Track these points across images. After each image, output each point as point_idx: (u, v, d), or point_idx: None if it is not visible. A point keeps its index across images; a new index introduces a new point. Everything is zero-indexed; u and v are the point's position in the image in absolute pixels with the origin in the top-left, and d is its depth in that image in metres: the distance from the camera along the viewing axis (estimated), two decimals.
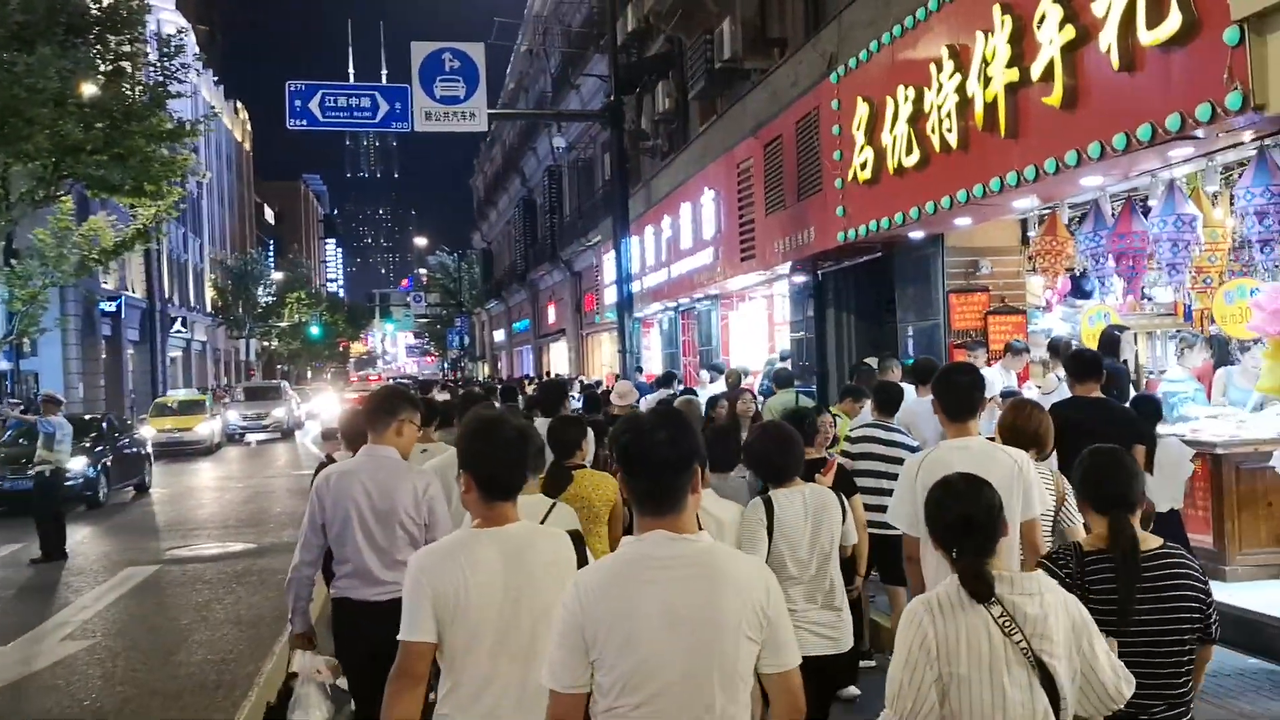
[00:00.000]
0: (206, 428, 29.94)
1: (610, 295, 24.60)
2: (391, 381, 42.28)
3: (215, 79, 76.43)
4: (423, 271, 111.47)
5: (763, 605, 2.41)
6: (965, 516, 2.72)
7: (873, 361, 10.70)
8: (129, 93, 23.85)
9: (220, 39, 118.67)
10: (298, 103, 20.11)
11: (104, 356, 43.37)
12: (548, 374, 34.32)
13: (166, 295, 52.93)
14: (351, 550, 4.26)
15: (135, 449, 20.45)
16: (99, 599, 10.37)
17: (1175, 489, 6.77)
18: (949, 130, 8.67)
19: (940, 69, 8.75)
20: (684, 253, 18.68)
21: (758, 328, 18.39)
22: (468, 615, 2.74)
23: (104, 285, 42.51)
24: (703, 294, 18.95)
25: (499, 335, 61.70)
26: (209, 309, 65.44)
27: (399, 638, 2.76)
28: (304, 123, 20.12)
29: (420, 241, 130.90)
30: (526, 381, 26.88)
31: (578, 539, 3.10)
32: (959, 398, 4.43)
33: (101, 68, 23.13)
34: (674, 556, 2.38)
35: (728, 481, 5.12)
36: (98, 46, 23.40)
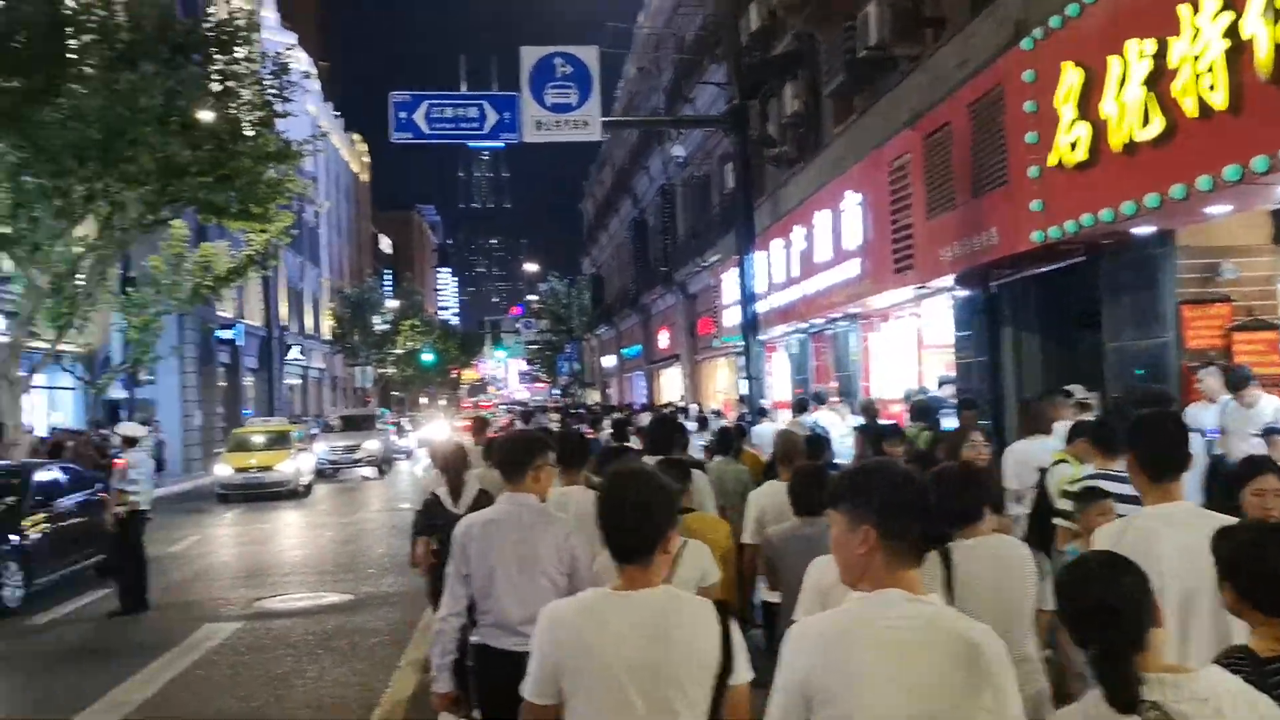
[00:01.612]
0: (290, 465, 25.27)
1: (730, 317, 22.89)
2: (501, 407, 41.33)
3: (335, 112, 77.72)
4: (533, 298, 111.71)
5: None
6: (1102, 603, 2.32)
7: (1077, 390, 8.80)
8: (235, 113, 23.14)
9: (341, 74, 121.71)
10: (402, 115, 18.97)
11: (221, 384, 43.41)
12: (657, 405, 32.62)
13: (284, 323, 53.09)
14: (494, 600, 4.21)
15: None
16: (167, 667, 9.01)
17: None
18: (1211, 88, 6.74)
19: (1197, 9, 6.83)
20: (819, 267, 16.86)
21: (903, 351, 16.44)
22: (590, 682, 2.62)
23: (221, 313, 42.54)
24: (840, 313, 17.09)
25: (609, 361, 60.62)
26: (327, 337, 65.90)
27: (520, 692, 2.71)
28: (408, 135, 18.97)
29: (531, 268, 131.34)
30: (632, 411, 25.28)
31: (724, 609, 2.79)
32: (1168, 450, 3.40)
33: (210, 87, 22.43)
34: (904, 617, 2.29)
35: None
36: (205, 66, 22.72)
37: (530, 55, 18.18)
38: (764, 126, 21.15)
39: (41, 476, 13.35)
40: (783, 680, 2.34)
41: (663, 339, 41.49)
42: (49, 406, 33.55)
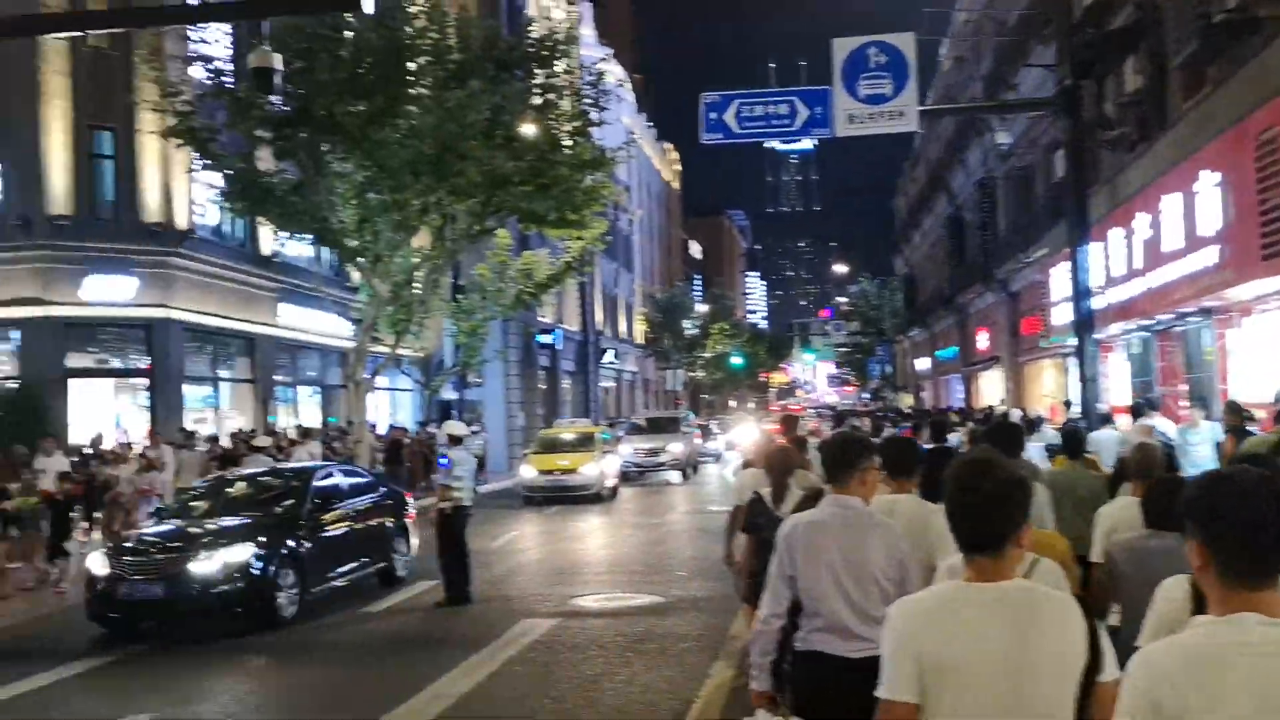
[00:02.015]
0: (594, 468, 24.67)
1: (1060, 315, 21.21)
2: (810, 412, 40.67)
3: (648, 123, 80.00)
4: (842, 300, 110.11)
5: None
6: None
7: None
8: (554, 123, 23.99)
9: (654, 87, 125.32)
10: (713, 115, 18.90)
11: (542, 386, 45.54)
12: (975, 410, 30.90)
13: (599, 327, 55.01)
14: (826, 605, 4.11)
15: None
16: (487, 660, 9.21)
17: None
18: None
19: None
20: (1167, 257, 15.19)
21: (1270, 348, 14.47)
22: (955, 680, 2.51)
23: (541, 318, 44.58)
24: (1193, 307, 15.33)
25: (922, 364, 58.53)
26: (639, 341, 67.80)
27: (878, 694, 2.59)
28: (719, 136, 18.88)
29: (840, 269, 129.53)
30: (954, 414, 24.00)
31: (1085, 604, 2.62)
32: None
33: (531, 101, 23.39)
34: (1265, 642, 2.09)
35: None
36: (527, 81, 23.71)
37: (843, 47, 17.61)
38: (1099, 108, 19.45)
39: (324, 480, 12.81)
40: (1129, 704, 2.18)
41: (981, 340, 39.45)
42: (391, 407, 36.37)
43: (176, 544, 11.00)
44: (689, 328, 69.16)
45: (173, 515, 12.24)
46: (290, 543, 11.22)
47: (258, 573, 10.63)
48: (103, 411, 22.83)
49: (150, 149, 22.73)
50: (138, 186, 23.02)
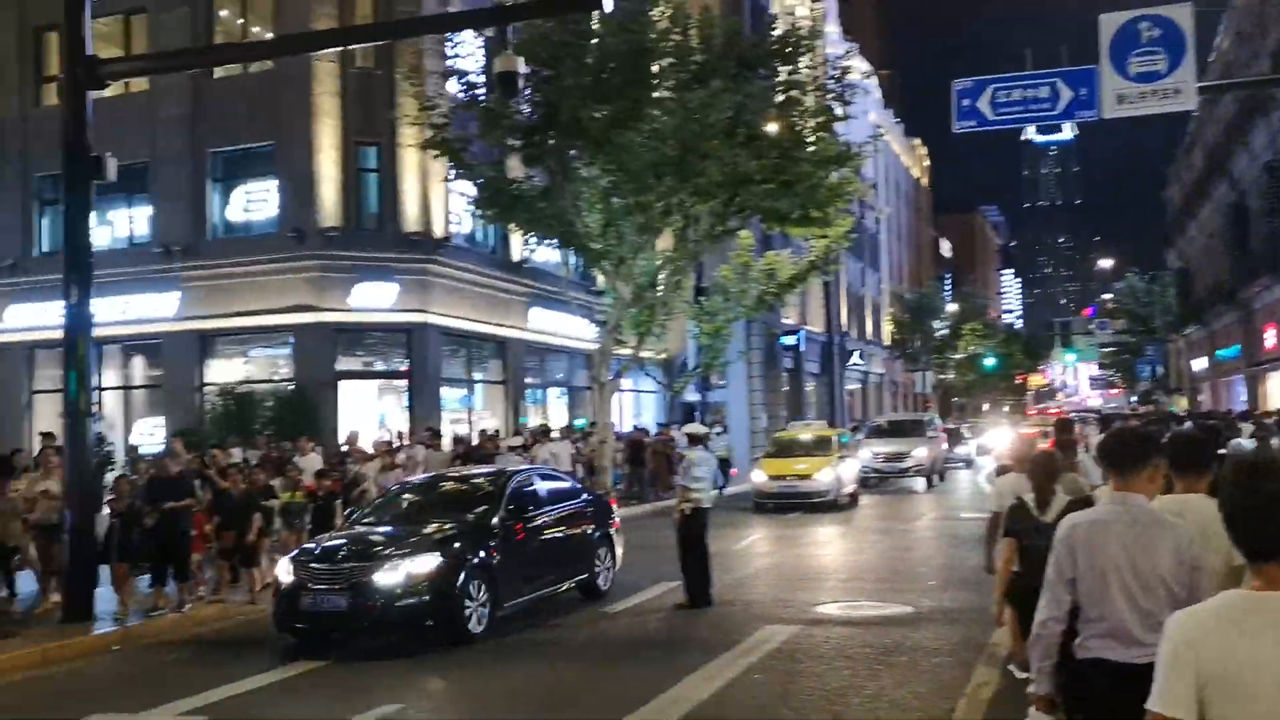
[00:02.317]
0: (830, 474, 22.80)
1: None
2: (1073, 416, 38.25)
3: (896, 119, 78.00)
4: (1107, 297, 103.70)
5: None
6: None
7: None
8: (797, 120, 23.56)
9: (900, 81, 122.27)
10: (965, 102, 18.00)
11: (785, 388, 45.04)
12: (1263, 413, 28.09)
13: (844, 328, 53.92)
14: (1109, 608, 3.92)
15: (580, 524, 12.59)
16: (726, 666, 8.94)
17: None
18: None
19: None
20: None
21: None
22: (1237, 696, 2.33)
23: (785, 319, 44.11)
24: None
25: (1199, 364, 54.14)
26: (886, 342, 66.10)
27: (1148, 706, 2.45)
28: (972, 124, 17.94)
29: (1105, 265, 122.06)
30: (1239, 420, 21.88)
31: None
32: None
33: (773, 98, 23.07)
34: None
35: None
36: (769, 79, 23.40)
37: (1110, 23, 16.43)
38: None
39: (521, 486, 11.81)
40: None
41: (1269, 337, 36.06)
42: (635, 408, 36.86)
43: (360, 552, 10.35)
44: (939, 328, 66.83)
45: (364, 520, 11.71)
46: (481, 552, 10.47)
47: (444, 585, 9.87)
48: (368, 412, 24.20)
49: (410, 161, 23.91)
50: (399, 198, 24.25)
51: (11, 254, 25.00)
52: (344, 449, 18.10)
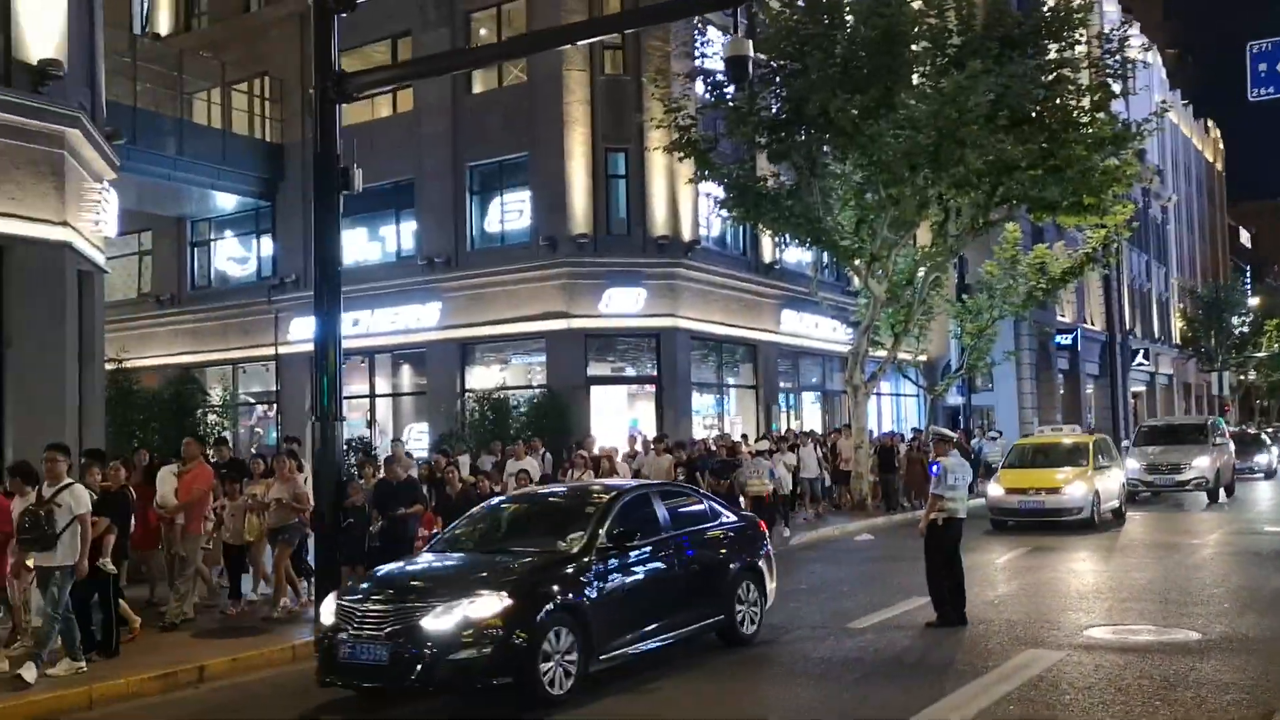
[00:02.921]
0: (1080, 489, 19.43)
1: None
2: None
3: (1184, 101, 72.14)
4: None
5: None
6: None
7: None
8: (1070, 101, 21.86)
9: (1192, 61, 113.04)
10: (1261, 67, 16.14)
11: (1060, 391, 42.20)
12: None
13: (1127, 326, 50.04)
14: None
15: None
16: (981, 693, 8.04)
17: None
18: None
19: None
20: None
21: None
22: None
23: (1060, 317, 41.37)
24: None
25: None
26: (1175, 340, 61.01)
27: None
28: (1271, 90, 16.03)
29: None
30: None
31: None
32: None
33: (1040, 78, 21.48)
34: None
35: None
36: (1036, 59, 21.81)
37: None
38: None
39: (634, 504, 9.64)
40: None
41: None
42: (895, 412, 35.48)
43: (410, 589, 8.42)
44: (1238, 325, 60.96)
45: (439, 545, 9.87)
46: (568, 591, 8.36)
47: (513, 633, 7.83)
48: (619, 417, 24.32)
49: (658, 165, 23.87)
50: (647, 203, 24.27)
51: (295, 269, 26.80)
52: (581, 454, 18.03)
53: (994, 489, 20.58)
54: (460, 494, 12.89)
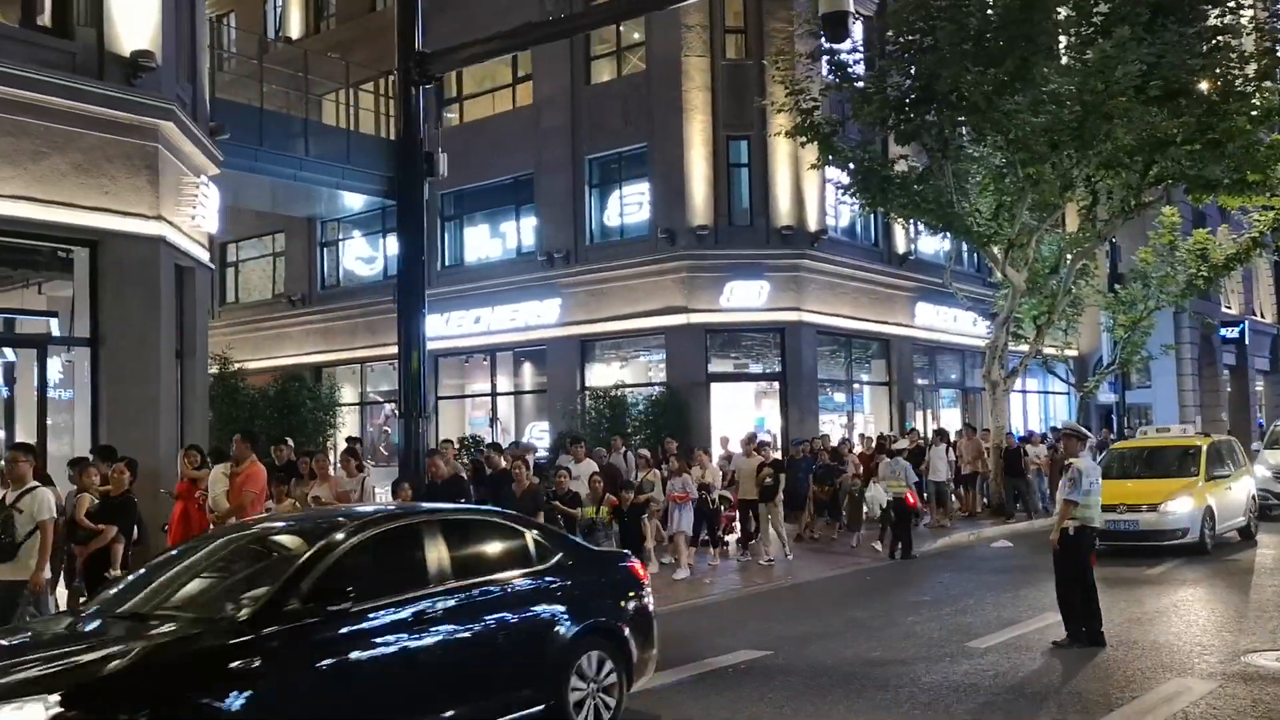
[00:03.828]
0: (1186, 504, 15.76)
1: None
2: None
3: None
4: None
5: None
6: None
7: None
8: (1233, 69, 19.95)
9: None
10: None
11: (1227, 388, 39.29)
12: None
13: None
14: None
15: None
16: None
17: None
18: None
19: None
20: None
21: None
22: None
23: (1225, 309, 38.55)
24: None
25: None
26: None
27: None
28: None
29: None
30: None
31: None
32: None
33: (1196, 46, 19.66)
34: None
35: None
36: (1194, 24, 19.98)
37: None
38: None
39: (370, 543, 6.55)
40: None
41: None
42: (1042, 410, 33.50)
43: None
44: None
45: (105, 602, 6.60)
46: (196, 692, 5.32)
47: None
48: (742, 415, 23.41)
49: (781, 152, 22.86)
50: (770, 191, 23.28)
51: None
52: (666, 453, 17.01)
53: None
54: (527, 492, 12.18)
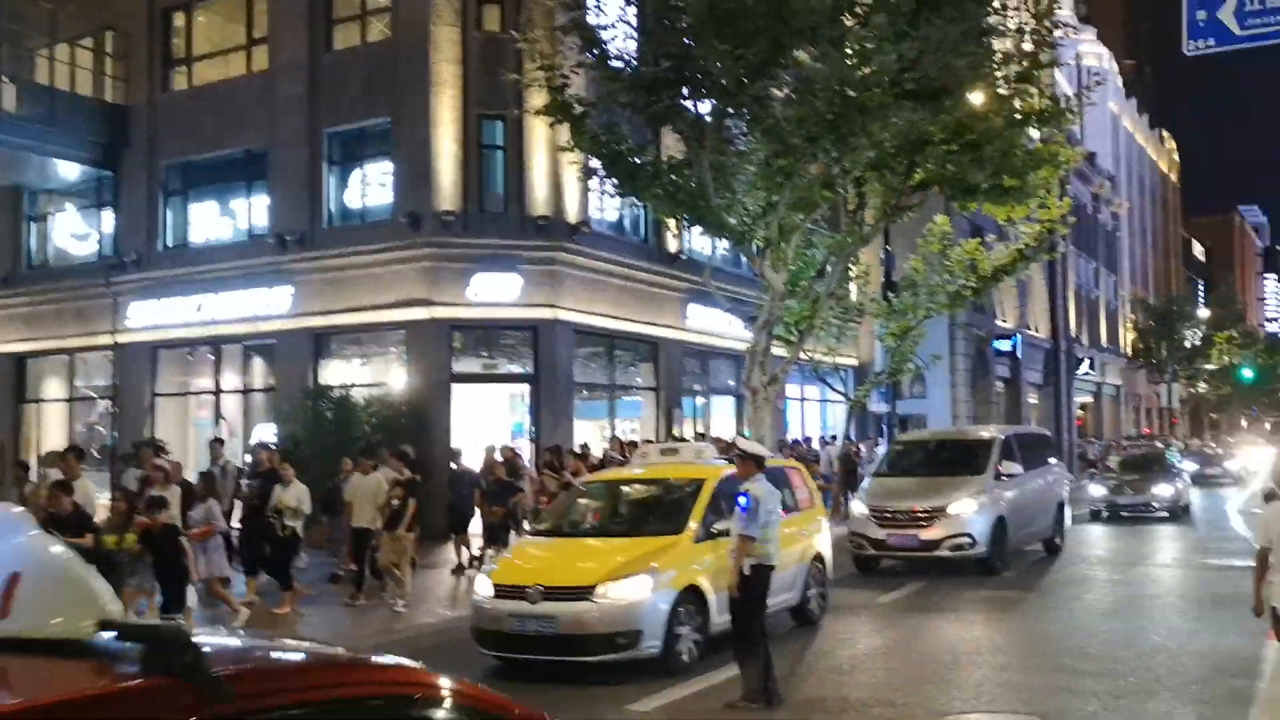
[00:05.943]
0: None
1: None
2: None
3: (1138, 110, 70.62)
4: None
5: None
6: None
7: None
8: (996, 70, 19.27)
9: (1148, 71, 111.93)
10: (1200, 14, 13.40)
11: (999, 401, 39.85)
12: None
13: (1073, 334, 47.90)
14: None
15: None
16: None
17: None
18: None
19: None
20: None
21: None
22: None
23: (1000, 322, 39.08)
24: None
25: None
26: (1125, 351, 59.12)
27: None
28: (1210, 42, 13.29)
29: None
30: None
31: None
32: None
33: (964, 48, 18.84)
34: None
35: None
36: (961, 24, 19.17)
37: None
38: None
39: None
40: None
41: None
42: (822, 421, 32.84)
43: None
44: (1189, 336, 59.17)
45: None
46: None
47: None
48: (490, 419, 21.51)
49: (538, 136, 21.09)
50: (526, 178, 21.48)
51: (137, 248, 23.76)
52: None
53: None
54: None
